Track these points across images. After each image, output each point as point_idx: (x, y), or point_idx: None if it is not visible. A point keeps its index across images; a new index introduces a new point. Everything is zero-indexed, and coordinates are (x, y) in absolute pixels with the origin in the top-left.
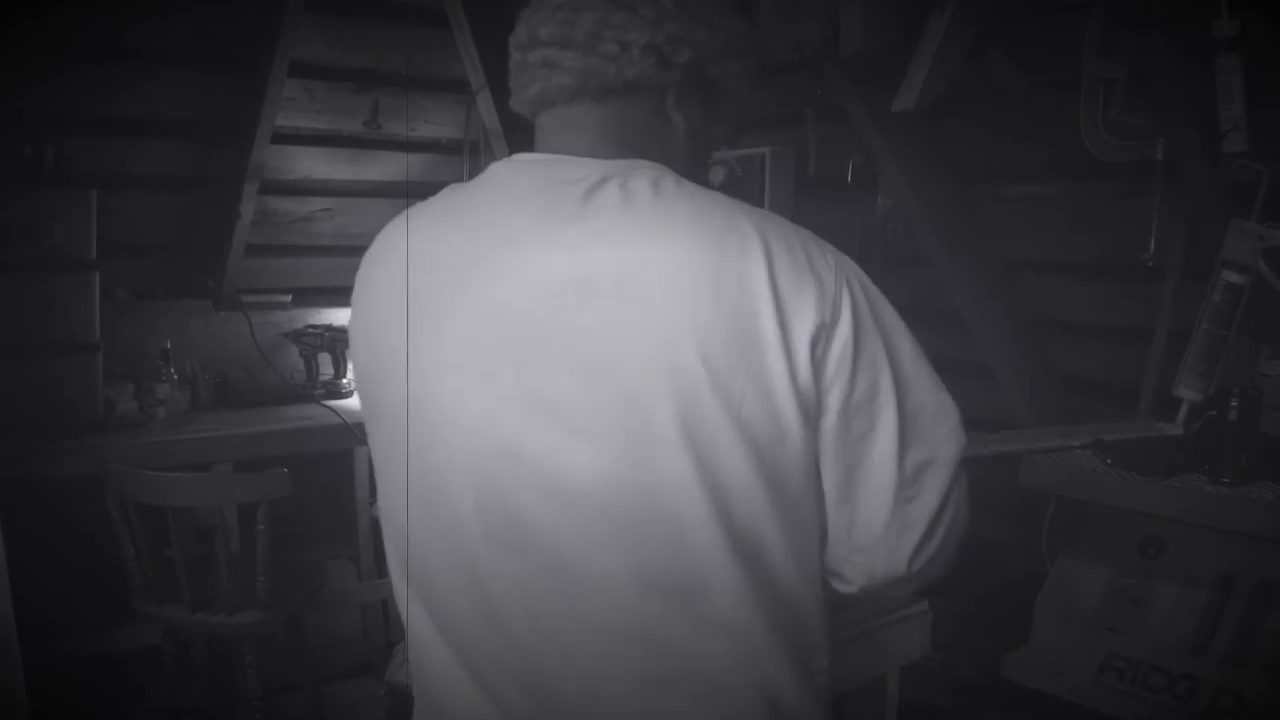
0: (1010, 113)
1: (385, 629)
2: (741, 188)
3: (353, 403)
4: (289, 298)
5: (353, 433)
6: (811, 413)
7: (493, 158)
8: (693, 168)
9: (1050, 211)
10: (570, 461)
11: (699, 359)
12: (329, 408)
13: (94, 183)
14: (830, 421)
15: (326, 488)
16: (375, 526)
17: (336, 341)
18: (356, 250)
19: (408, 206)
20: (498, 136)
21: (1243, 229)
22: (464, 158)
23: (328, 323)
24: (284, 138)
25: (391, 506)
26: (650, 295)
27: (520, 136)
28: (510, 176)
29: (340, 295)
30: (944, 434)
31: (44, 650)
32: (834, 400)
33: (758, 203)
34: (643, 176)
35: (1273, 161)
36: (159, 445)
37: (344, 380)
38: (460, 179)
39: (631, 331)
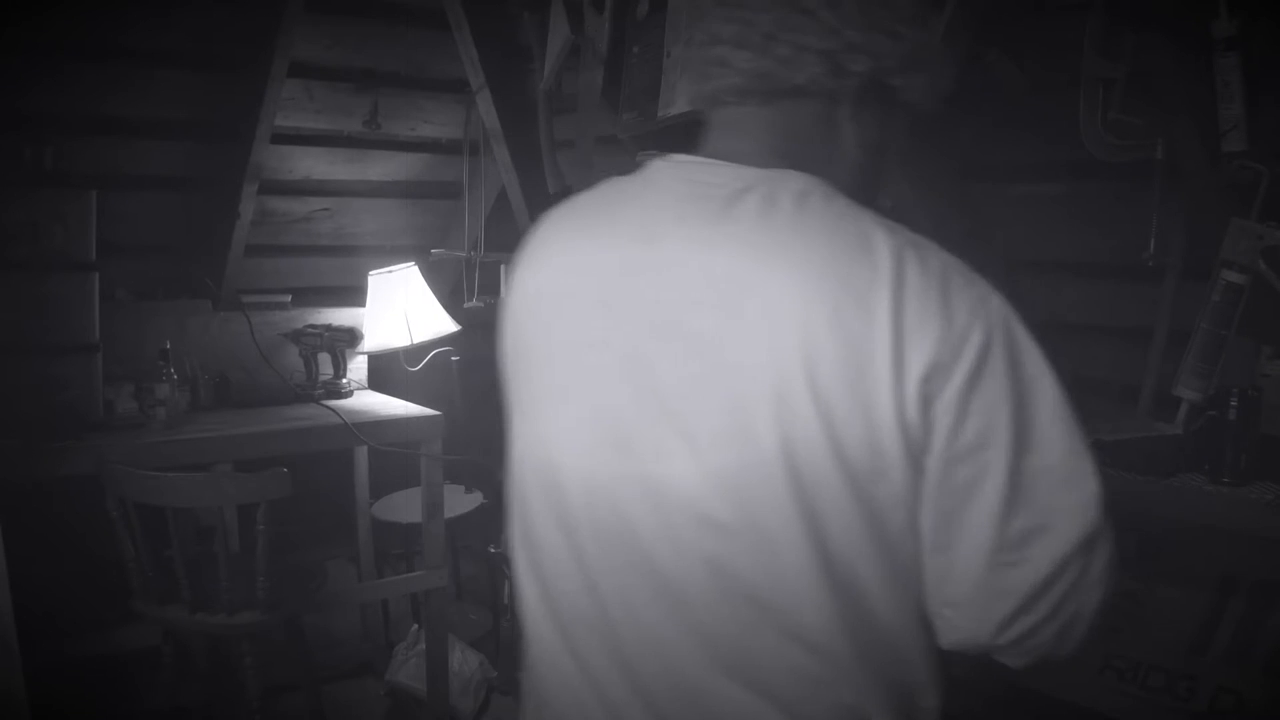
0: (1010, 112)
1: (385, 629)
2: None
3: (352, 402)
4: (289, 298)
5: (353, 432)
6: (917, 452)
7: (492, 158)
8: (861, 181)
9: (1050, 211)
10: (673, 463)
11: (806, 381)
12: (329, 408)
13: (94, 183)
14: (932, 462)
15: (326, 488)
16: (375, 526)
17: (336, 341)
18: (356, 250)
19: (409, 206)
20: (498, 136)
21: (1242, 228)
22: (464, 158)
23: (327, 322)
24: (283, 138)
25: (514, 478)
26: (769, 310)
27: (520, 137)
28: (661, 176)
29: (340, 295)
30: (1069, 505)
31: (44, 650)
32: (938, 441)
33: None
34: (789, 188)
35: (1273, 161)
36: (159, 445)
37: (343, 380)
38: (460, 179)
39: (746, 343)
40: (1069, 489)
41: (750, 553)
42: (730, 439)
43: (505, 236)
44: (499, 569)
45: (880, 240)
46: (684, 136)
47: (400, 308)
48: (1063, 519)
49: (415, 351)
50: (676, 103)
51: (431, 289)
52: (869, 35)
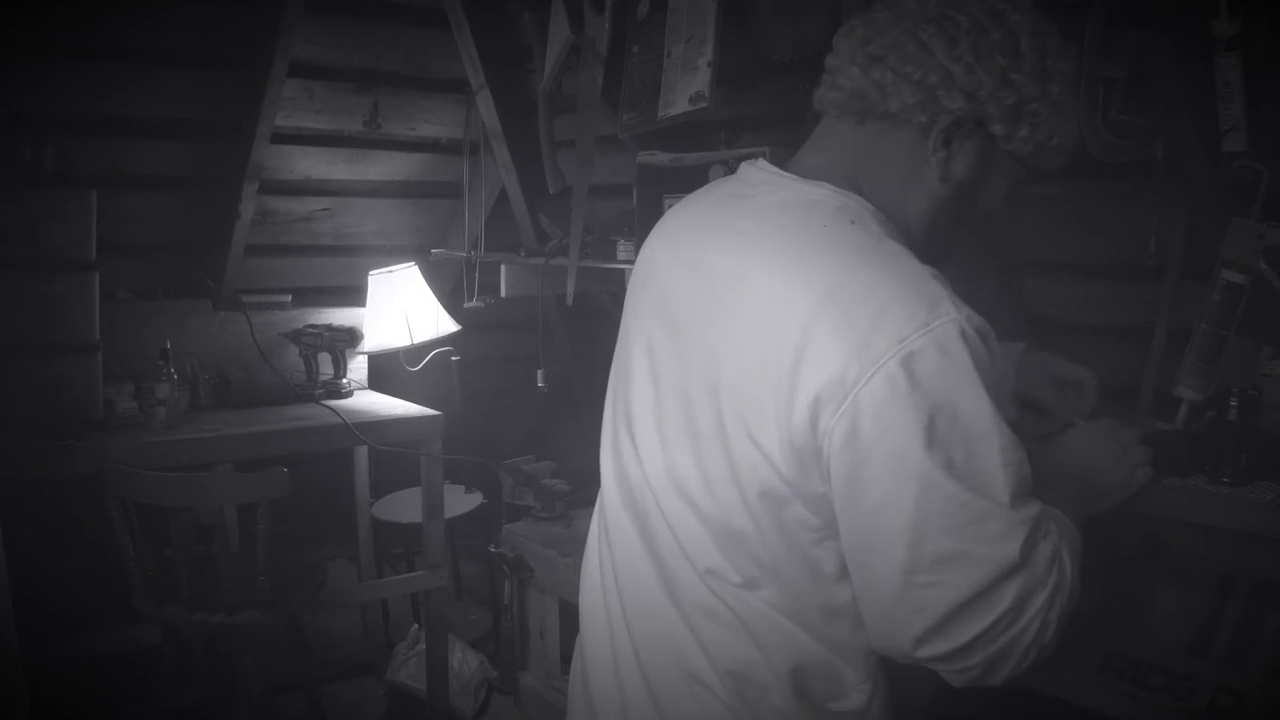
0: None
1: (385, 629)
2: None
3: (352, 402)
4: (289, 298)
5: (353, 432)
6: (805, 454)
7: (492, 158)
8: (941, 214)
9: (1050, 211)
10: (644, 406)
11: (736, 365)
12: (329, 408)
13: (94, 183)
14: (840, 476)
15: (326, 488)
16: (375, 526)
17: (336, 341)
18: (356, 250)
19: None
20: (498, 136)
21: (1243, 228)
22: (464, 158)
23: (327, 322)
24: (284, 138)
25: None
26: (734, 297)
27: (520, 137)
28: (735, 176)
29: (340, 295)
30: (988, 534)
31: (44, 650)
32: (844, 459)
33: None
34: (809, 196)
35: (1273, 161)
36: (159, 445)
37: (343, 380)
38: (460, 179)
39: (716, 319)
40: (989, 520)
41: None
42: (689, 396)
43: (505, 236)
44: (499, 569)
45: (842, 255)
46: (684, 137)
47: (400, 308)
48: (981, 546)
49: (415, 351)
50: (677, 102)
51: (431, 289)
52: (973, 76)
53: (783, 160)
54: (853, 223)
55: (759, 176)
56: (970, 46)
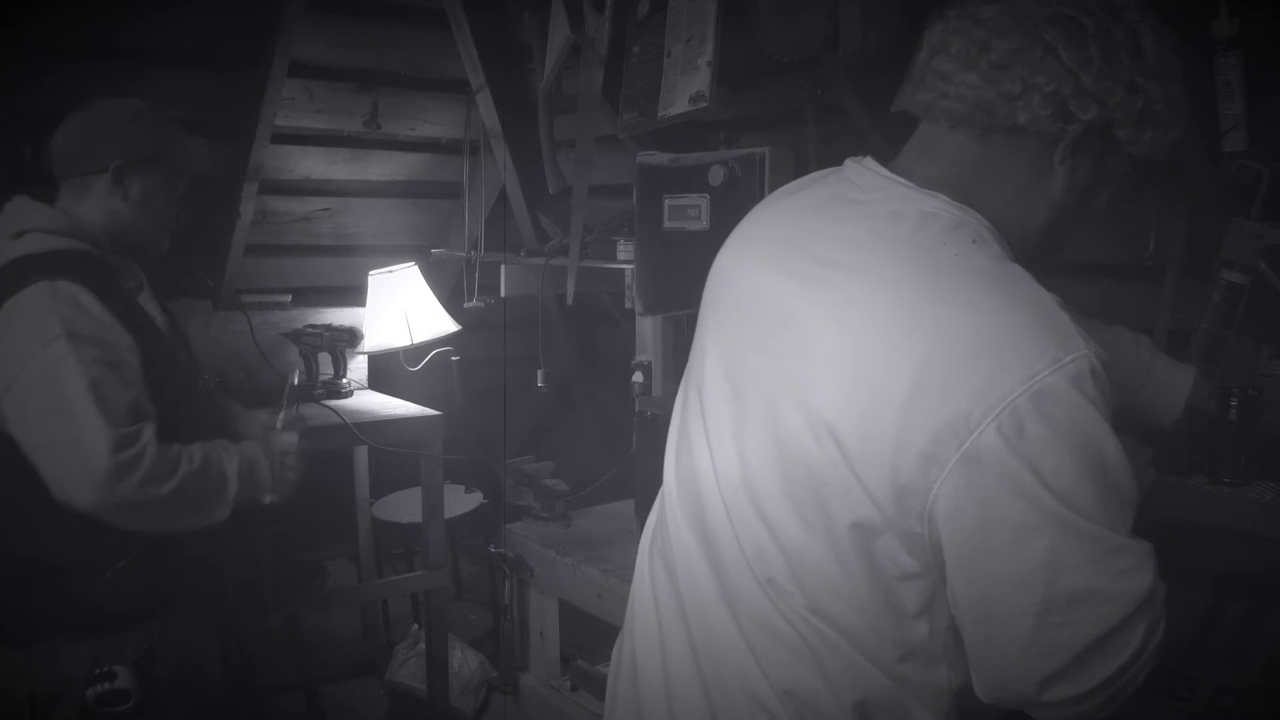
0: None
1: (385, 629)
2: (741, 188)
3: (352, 402)
4: (289, 298)
5: (353, 433)
6: (908, 491)
7: (492, 158)
8: (1059, 221)
9: None
10: (721, 411)
11: (828, 383)
12: (329, 408)
13: None
14: (959, 518)
15: (326, 488)
16: (375, 526)
17: (336, 341)
18: (356, 250)
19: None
20: (497, 136)
21: (1243, 228)
22: (464, 158)
23: (328, 322)
24: (284, 138)
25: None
26: (820, 312)
27: (520, 137)
28: (840, 171)
29: (340, 295)
30: (1120, 569)
31: None
32: (966, 501)
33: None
34: (923, 208)
35: (1273, 161)
36: None
37: (343, 380)
38: (460, 179)
39: (809, 330)
40: (1120, 555)
41: (775, 478)
42: (778, 412)
43: (505, 236)
44: (499, 569)
45: (968, 280)
46: (684, 137)
47: (400, 308)
48: (1113, 582)
49: (415, 351)
50: (677, 102)
51: (431, 289)
52: (1106, 83)
53: (886, 160)
54: (974, 242)
55: (871, 180)
56: (1099, 50)
